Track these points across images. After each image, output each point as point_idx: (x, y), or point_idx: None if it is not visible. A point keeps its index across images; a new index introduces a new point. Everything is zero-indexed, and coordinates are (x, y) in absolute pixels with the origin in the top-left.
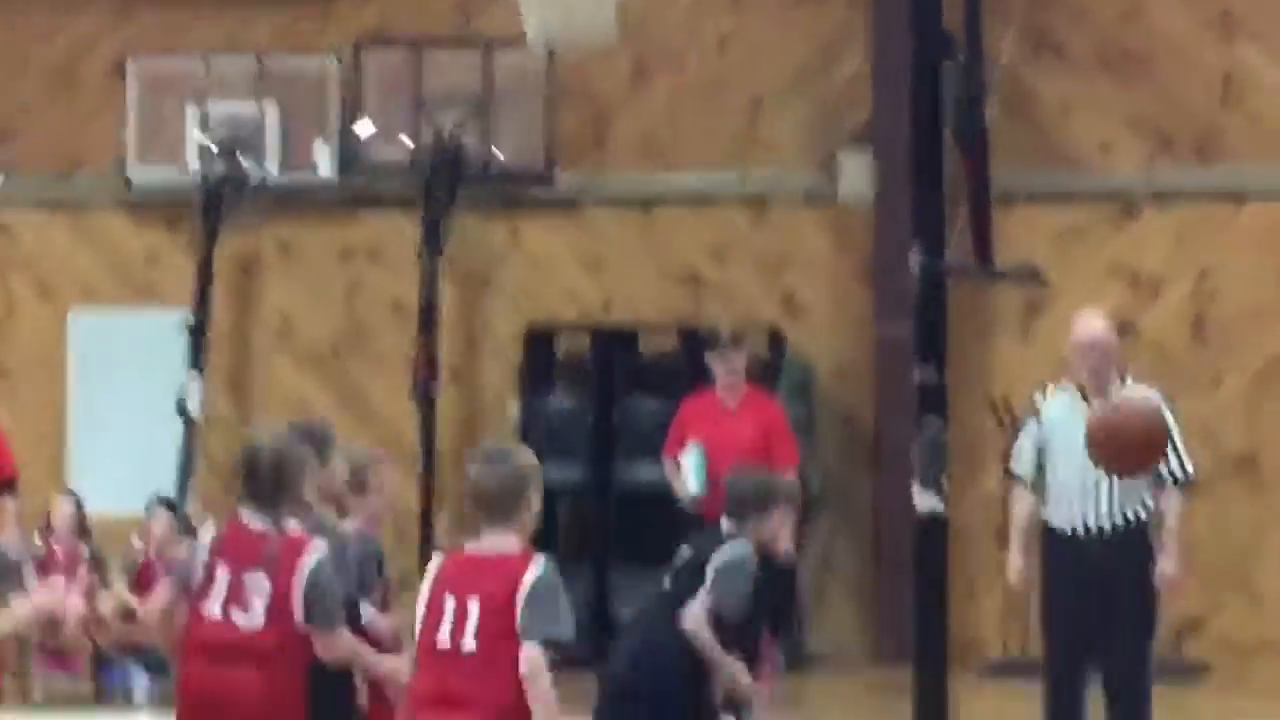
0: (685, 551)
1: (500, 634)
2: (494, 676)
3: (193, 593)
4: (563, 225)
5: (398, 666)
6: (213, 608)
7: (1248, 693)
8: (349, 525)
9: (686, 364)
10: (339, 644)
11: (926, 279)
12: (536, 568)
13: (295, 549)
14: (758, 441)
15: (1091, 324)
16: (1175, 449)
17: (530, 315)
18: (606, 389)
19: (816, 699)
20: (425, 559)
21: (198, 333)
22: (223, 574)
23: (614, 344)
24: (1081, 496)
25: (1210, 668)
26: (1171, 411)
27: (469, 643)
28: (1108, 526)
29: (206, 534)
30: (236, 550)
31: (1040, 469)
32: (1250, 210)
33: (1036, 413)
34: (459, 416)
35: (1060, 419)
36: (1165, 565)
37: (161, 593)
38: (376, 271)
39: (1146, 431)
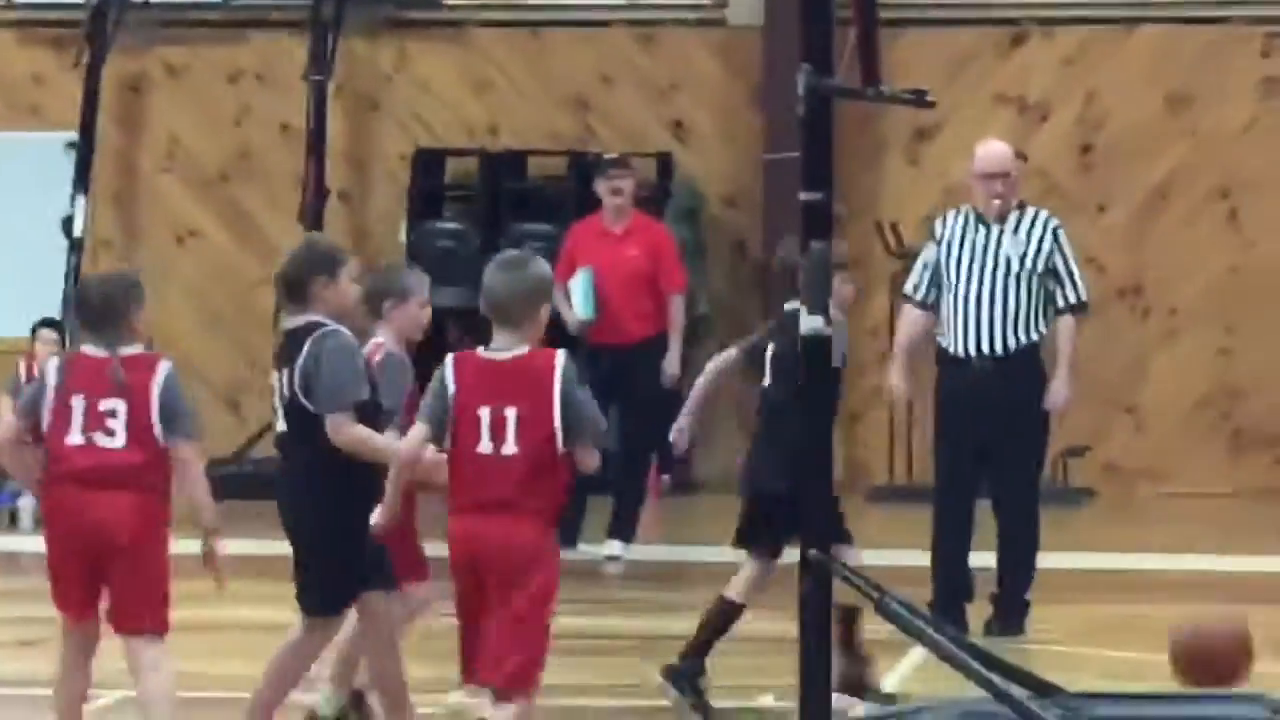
0: (770, 345)
1: (541, 438)
2: (537, 478)
3: (47, 426)
4: (450, 48)
5: (393, 446)
6: (73, 437)
7: (1129, 517)
8: (381, 336)
9: (574, 189)
10: (195, 457)
11: (813, 99)
12: (560, 368)
13: (144, 369)
14: (645, 266)
15: (996, 151)
16: (1071, 274)
17: (418, 138)
18: (494, 213)
19: (703, 523)
20: None
21: (84, 154)
22: (78, 404)
23: (502, 168)
24: (975, 320)
25: (1095, 493)
26: (1065, 234)
27: (510, 447)
28: (1000, 350)
29: (51, 368)
30: (85, 380)
31: (936, 292)
32: (1140, 35)
33: (933, 236)
34: (347, 239)
35: (956, 243)
36: (1056, 388)
37: (6, 425)
38: (264, 94)
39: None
